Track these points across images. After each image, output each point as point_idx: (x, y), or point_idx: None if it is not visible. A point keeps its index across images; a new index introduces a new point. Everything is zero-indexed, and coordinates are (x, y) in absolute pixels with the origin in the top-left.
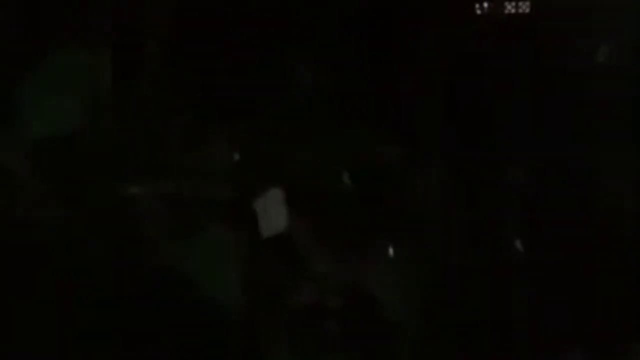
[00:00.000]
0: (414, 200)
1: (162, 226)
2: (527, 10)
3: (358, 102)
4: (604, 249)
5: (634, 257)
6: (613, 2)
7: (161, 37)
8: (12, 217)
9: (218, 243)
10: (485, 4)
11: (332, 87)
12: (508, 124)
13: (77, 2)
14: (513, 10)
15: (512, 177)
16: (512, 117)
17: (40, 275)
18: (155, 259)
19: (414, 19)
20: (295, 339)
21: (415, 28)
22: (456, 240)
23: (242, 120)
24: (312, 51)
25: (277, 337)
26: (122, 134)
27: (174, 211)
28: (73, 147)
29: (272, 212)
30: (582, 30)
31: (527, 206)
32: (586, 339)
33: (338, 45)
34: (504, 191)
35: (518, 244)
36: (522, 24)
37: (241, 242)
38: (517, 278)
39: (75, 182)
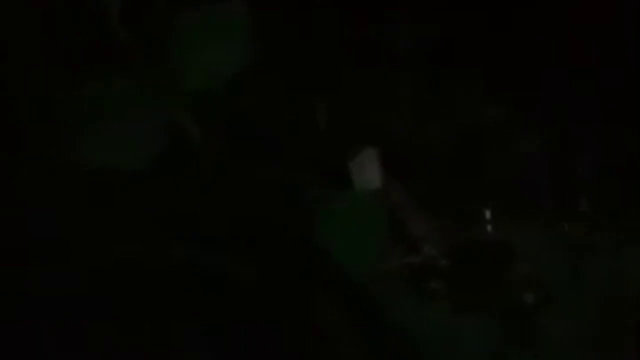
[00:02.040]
0: (514, 163)
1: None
2: None
3: (458, 62)
4: None
5: None
6: None
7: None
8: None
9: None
10: None
11: (432, 47)
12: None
13: None
14: None
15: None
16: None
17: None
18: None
19: None
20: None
21: None
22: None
23: (342, 80)
24: (411, 10)
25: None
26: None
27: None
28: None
29: (367, 172)
30: None
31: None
32: None
33: (438, 3)
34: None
35: None
36: None
37: None
38: None
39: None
